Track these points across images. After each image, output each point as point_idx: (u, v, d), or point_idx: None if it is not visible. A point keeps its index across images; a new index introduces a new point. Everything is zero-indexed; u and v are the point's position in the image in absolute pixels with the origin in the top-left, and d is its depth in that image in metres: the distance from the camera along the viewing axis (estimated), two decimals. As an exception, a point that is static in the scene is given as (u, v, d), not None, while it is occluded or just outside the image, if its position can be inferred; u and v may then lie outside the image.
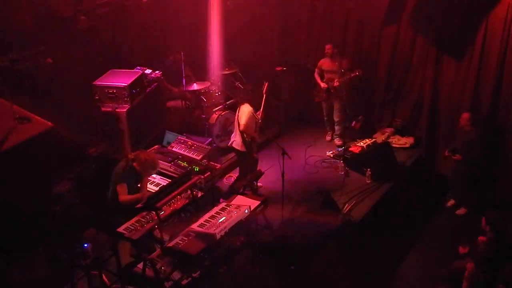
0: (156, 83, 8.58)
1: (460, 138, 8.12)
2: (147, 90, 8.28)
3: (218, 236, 5.61)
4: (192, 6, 10.71)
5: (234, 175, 8.64)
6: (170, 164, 7.39)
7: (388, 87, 9.97)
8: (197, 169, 7.31)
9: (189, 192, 6.46)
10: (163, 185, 6.75)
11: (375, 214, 8.04)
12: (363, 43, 10.04)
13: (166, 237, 6.45)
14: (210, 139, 8.49)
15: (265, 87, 8.13)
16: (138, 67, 8.58)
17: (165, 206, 6.14)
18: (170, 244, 5.69)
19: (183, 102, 9.10)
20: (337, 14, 10.19)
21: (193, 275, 5.98)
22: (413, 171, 9.23)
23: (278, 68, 10.79)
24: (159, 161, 7.39)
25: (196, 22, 10.88)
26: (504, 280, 6.14)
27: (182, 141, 7.92)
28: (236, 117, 7.90)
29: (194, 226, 5.80)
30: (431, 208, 8.78)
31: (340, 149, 9.54)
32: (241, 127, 7.70)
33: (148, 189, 6.79)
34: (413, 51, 9.34)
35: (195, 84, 9.35)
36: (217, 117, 9.00)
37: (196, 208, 6.72)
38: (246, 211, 6.06)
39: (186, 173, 6.59)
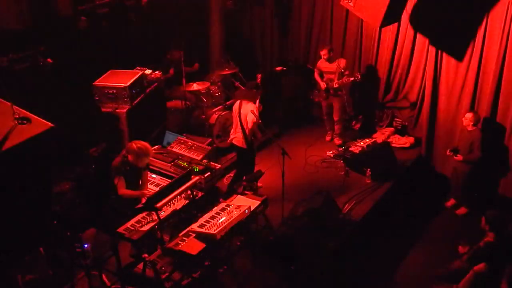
0: (156, 83, 8.57)
1: (462, 137, 8.13)
2: (147, 91, 8.27)
3: (218, 236, 5.61)
4: (192, 6, 10.76)
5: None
6: (170, 165, 7.39)
7: (388, 87, 9.98)
8: (197, 169, 7.31)
9: (189, 192, 6.46)
10: (163, 186, 6.75)
11: (375, 214, 8.03)
12: (363, 42, 10.03)
13: (166, 238, 6.45)
14: (210, 139, 8.50)
15: (259, 78, 8.10)
16: (138, 68, 8.57)
17: (165, 207, 6.15)
18: (170, 245, 5.69)
19: (183, 102, 9.10)
20: (337, 14, 10.19)
21: (193, 275, 5.98)
22: (413, 171, 9.23)
23: (278, 68, 10.79)
24: (160, 161, 7.43)
25: (197, 22, 10.92)
26: (507, 279, 6.15)
27: (182, 141, 7.92)
28: (236, 114, 7.85)
29: (194, 226, 5.81)
30: (431, 208, 8.78)
31: (340, 149, 9.54)
32: (250, 125, 7.67)
33: (148, 189, 6.80)
34: (413, 51, 9.34)
35: (195, 84, 9.36)
36: (217, 118, 9.00)
37: (196, 208, 6.73)
38: (246, 211, 6.07)
39: (186, 173, 6.59)
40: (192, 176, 6.64)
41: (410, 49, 9.36)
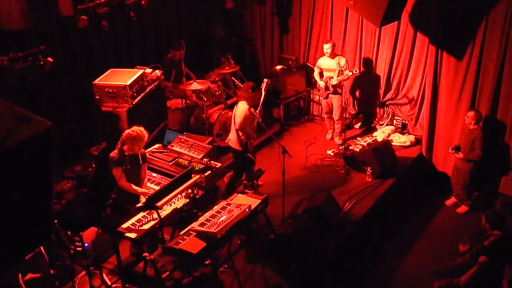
0: (156, 82, 8.58)
1: (464, 136, 8.13)
2: (148, 90, 8.27)
3: (218, 235, 5.61)
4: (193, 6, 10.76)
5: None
6: (170, 163, 7.40)
7: (388, 86, 9.98)
8: (197, 168, 7.31)
9: (189, 191, 6.47)
10: (164, 184, 6.76)
11: (375, 212, 8.04)
12: (363, 41, 10.03)
13: (166, 237, 6.45)
14: (211, 138, 8.49)
15: (265, 84, 8.11)
16: (138, 66, 8.58)
17: (165, 205, 6.16)
18: (171, 243, 5.70)
19: (184, 101, 9.10)
20: (337, 12, 10.19)
21: (194, 274, 5.99)
22: (413, 169, 9.24)
23: (278, 67, 10.80)
24: (161, 160, 7.43)
25: (198, 22, 10.92)
26: (508, 279, 6.15)
27: (182, 140, 7.92)
28: (233, 115, 7.88)
29: (195, 225, 5.81)
30: (432, 206, 8.78)
31: (340, 147, 9.54)
32: (237, 126, 7.69)
33: (148, 188, 6.80)
34: (413, 50, 9.34)
35: (195, 83, 9.37)
36: (218, 116, 9.00)
37: (197, 207, 6.73)
38: (247, 210, 6.06)
39: (186, 172, 6.58)
40: (192, 175, 6.64)
41: (410, 47, 9.36)
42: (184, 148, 7.72)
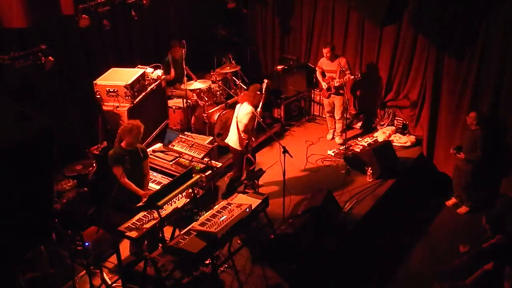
0: (157, 82, 8.58)
1: (465, 136, 8.12)
2: (148, 89, 8.28)
3: (219, 235, 5.61)
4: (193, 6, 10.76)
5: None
6: (171, 163, 7.40)
7: (389, 86, 9.97)
8: (198, 167, 7.31)
9: (190, 190, 6.47)
10: (165, 184, 6.76)
11: (376, 213, 8.04)
12: (364, 41, 10.03)
13: (167, 236, 6.45)
14: (211, 137, 8.49)
15: (265, 84, 8.10)
16: (139, 66, 8.58)
17: (166, 205, 6.16)
18: (171, 243, 5.69)
19: (184, 100, 9.10)
20: (338, 13, 10.19)
21: (194, 273, 5.99)
22: (414, 170, 9.23)
23: (279, 67, 10.80)
24: (162, 160, 7.44)
25: (199, 21, 10.92)
26: (509, 279, 6.14)
27: (183, 139, 7.92)
28: (235, 115, 7.88)
29: (195, 225, 5.80)
30: (432, 206, 8.78)
31: (341, 147, 9.54)
32: (242, 128, 7.67)
33: (149, 187, 6.81)
34: (414, 50, 9.34)
35: (196, 82, 9.37)
36: (218, 116, 9.00)
37: (197, 206, 6.73)
38: (247, 209, 6.06)
39: (187, 171, 6.59)
40: (193, 175, 6.65)
41: (411, 48, 9.35)
42: (185, 148, 7.73)
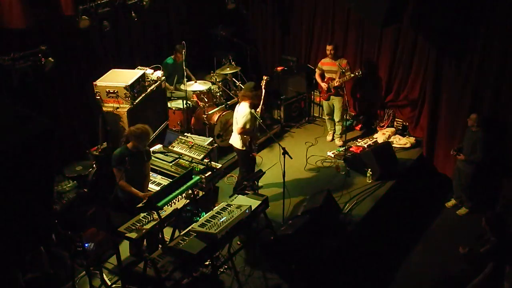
0: (157, 83, 8.58)
1: (466, 137, 8.12)
2: (148, 90, 8.28)
3: (219, 236, 5.61)
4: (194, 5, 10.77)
5: (235, 175, 8.64)
6: (171, 164, 7.40)
7: (389, 87, 9.97)
8: (198, 168, 7.31)
9: (190, 191, 6.47)
10: (164, 185, 6.76)
11: (375, 214, 8.04)
12: (364, 43, 10.03)
13: (167, 237, 6.46)
14: (211, 139, 8.49)
15: (264, 81, 8.08)
16: (139, 67, 8.59)
17: (166, 206, 6.16)
18: (171, 244, 5.70)
19: (185, 102, 9.10)
20: (338, 14, 10.19)
21: (194, 274, 5.99)
22: (413, 171, 9.23)
23: (279, 68, 10.80)
24: (162, 161, 7.44)
25: (199, 22, 10.93)
26: (508, 279, 6.15)
27: (183, 141, 7.92)
28: (234, 116, 7.85)
29: (195, 226, 5.80)
30: (432, 208, 8.78)
31: (341, 149, 9.55)
32: (238, 130, 7.66)
33: (149, 188, 6.80)
34: (414, 51, 9.33)
35: (196, 83, 9.37)
36: (218, 117, 9.00)
37: (197, 207, 6.74)
38: (247, 211, 6.06)
39: (187, 172, 6.60)
40: (193, 176, 6.65)
41: (411, 49, 9.35)
42: (184, 149, 7.72)
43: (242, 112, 7.60)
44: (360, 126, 10.48)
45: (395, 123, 10.19)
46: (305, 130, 10.69)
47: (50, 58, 6.97)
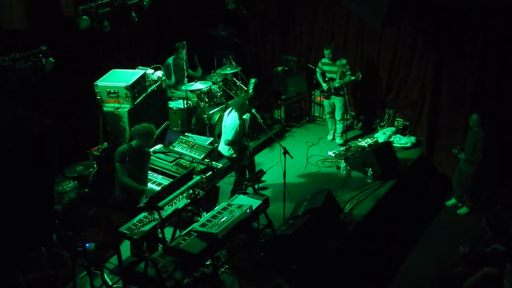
0: (158, 83, 8.58)
1: (469, 138, 8.12)
2: (149, 90, 8.28)
3: (219, 236, 5.61)
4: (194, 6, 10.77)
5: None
6: (172, 164, 7.40)
7: (389, 87, 9.97)
8: (198, 168, 7.32)
9: (190, 191, 6.47)
10: (165, 185, 6.77)
11: (376, 213, 8.04)
12: (364, 43, 10.04)
13: (168, 237, 6.46)
14: (212, 138, 8.49)
15: (252, 85, 7.99)
16: (140, 67, 8.59)
17: (166, 206, 6.16)
18: (172, 244, 5.70)
19: (185, 101, 9.10)
20: (338, 14, 10.19)
21: (195, 274, 5.99)
22: (414, 170, 9.24)
23: (279, 68, 10.80)
24: (162, 160, 7.44)
25: (199, 22, 10.92)
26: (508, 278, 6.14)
27: (184, 140, 7.92)
28: (223, 124, 7.73)
29: (196, 226, 5.81)
30: (433, 207, 8.79)
31: (341, 148, 9.55)
32: (227, 142, 7.58)
33: (149, 189, 6.80)
34: (414, 51, 9.34)
35: (197, 83, 9.37)
36: (219, 117, 9.00)
37: (198, 207, 6.74)
38: (248, 210, 6.07)
39: (187, 172, 6.60)
40: (193, 176, 6.65)
41: (411, 48, 9.35)
42: (185, 149, 7.73)
43: (231, 124, 7.53)
44: (360, 125, 10.48)
45: (395, 123, 10.20)
46: (306, 129, 10.70)
47: (50, 59, 6.97)
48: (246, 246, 6.84)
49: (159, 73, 8.68)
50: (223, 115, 8.01)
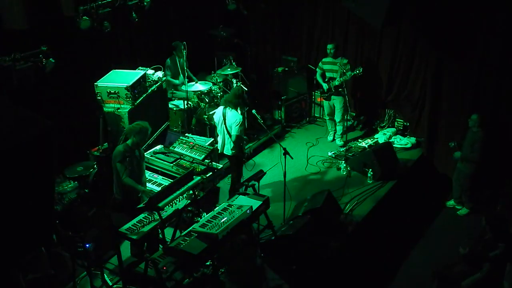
0: (158, 83, 8.58)
1: (468, 138, 8.12)
2: (149, 90, 8.28)
3: (220, 236, 5.61)
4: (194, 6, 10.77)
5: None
6: (172, 164, 7.40)
7: (389, 88, 9.97)
8: (199, 169, 7.31)
9: (191, 192, 6.47)
10: (165, 185, 6.77)
11: (376, 214, 8.04)
12: (364, 43, 10.04)
13: (168, 237, 6.46)
14: (212, 139, 8.49)
15: (241, 87, 7.96)
16: (140, 67, 8.59)
17: (167, 206, 6.16)
18: (172, 244, 5.70)
19: (185, 102, 9.10)
20: (338, 14, 10.19)
21: (195, 275, 5.99)
22: (414, 171, 9.23)
23: (280, 68, 10.79)
24: (163, 161, 7.44)
25: (199, 23, 10.92)
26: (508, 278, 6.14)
27: (184, 141, 7.92)
28: (222, 121, 7.68)
29: (196, 226, 5.81)
30: (433, 208, 8.78)
31: (342, 149, 9.55)
32: (233, 138, 7.53)
33: (150, 189, 6.80)
34: (414, 51, 9.34)
35: (197, 84, 9.37)
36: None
37: (198, 208, 6.73)
38: (248, 211, 6.07)
39: (188, 173, 6.60)
40: (194, 176, 6.65)
41: (411, 49, 9.35)
42: (185, 149, 7.72)
43: (234, 120, 7.48)
44: (361, 126, 10.48)
45: (396, 123, 10.20)
46: (306, 130, 10.69)
47: (50, 59, 6.97)
48: (246, 246, 6.84)
49: (160, 74, 8.68)
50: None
